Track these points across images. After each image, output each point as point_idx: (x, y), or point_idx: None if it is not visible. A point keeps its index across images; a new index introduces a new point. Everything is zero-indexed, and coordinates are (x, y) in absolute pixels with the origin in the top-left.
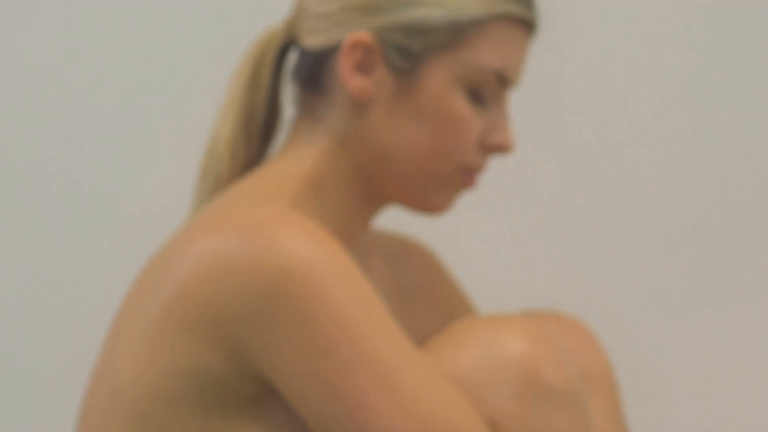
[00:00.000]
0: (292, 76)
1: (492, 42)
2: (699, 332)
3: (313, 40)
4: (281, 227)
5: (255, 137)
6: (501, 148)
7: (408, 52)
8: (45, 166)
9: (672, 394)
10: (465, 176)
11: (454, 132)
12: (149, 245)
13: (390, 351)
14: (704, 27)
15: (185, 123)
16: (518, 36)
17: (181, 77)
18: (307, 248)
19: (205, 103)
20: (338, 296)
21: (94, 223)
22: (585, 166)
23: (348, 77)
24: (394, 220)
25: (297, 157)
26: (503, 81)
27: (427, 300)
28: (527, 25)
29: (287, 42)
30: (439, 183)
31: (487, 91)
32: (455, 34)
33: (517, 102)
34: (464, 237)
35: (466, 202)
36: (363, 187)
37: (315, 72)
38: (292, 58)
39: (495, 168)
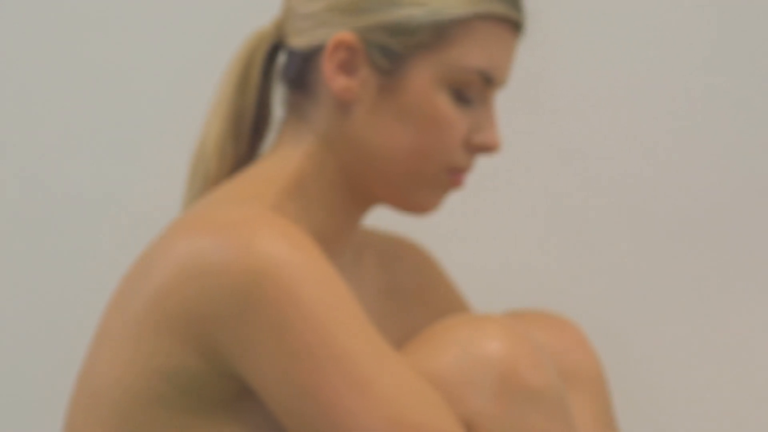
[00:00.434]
0: (281, 77)
1: (476, 41)
2: (692, 332)
3: (299, 40)
4: (257, 229)
5: (244, 138)
6: (487, 148)
7: (391, 52)
8: (41, 167)
9: (663, 394)
10: (451, 176)
11: (438, 132)
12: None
13: (362, 352)
14: (699, 25)
15: (182, 124)
16: (504, 35)
17: (179, 78)
18: (282, 250)
19: (202, 104)
20: (311, 297)
21: (90, 225)
22: (577, 164)
23: (332, 77)
24: (390, 220)
25: (283, 157)
26: (489, 81)
27: (420, 300)
28: (513, 25)
29: (276, 43)
30: (424, 183)
31: (473, 90)
32: (438, 34)
33: (508, 101)
34: (457, 237)
35: (461, 201)
36: (349, 187)
37: (302, 72)
38: (283, 58)
39: (494, 168)
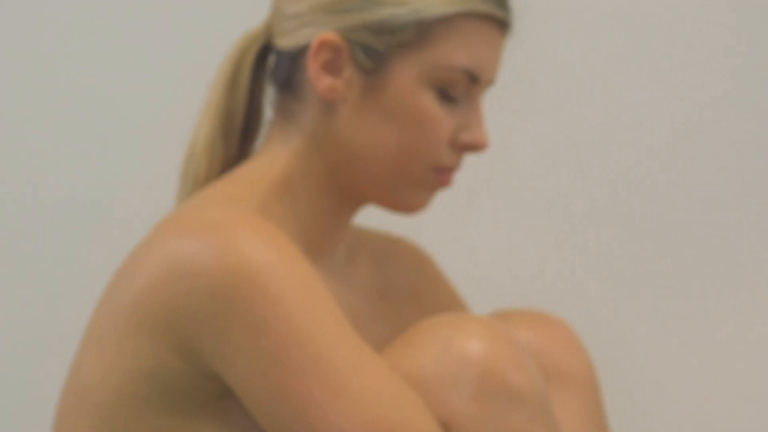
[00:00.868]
0: (270, 78)
1: (459, 40)
2: (689, 332)
3: (285, 41)
4: (236, 230)
5: (234, 139)
6: (474, 147)
7: (374, 52)
8: (32, 172)
9: (656, 394)
10: (438, 175)
11: (423, 131)
12: None
13: (338, 353)
14: (690, 23)
15: (176, 127)
16: (489, 34)
17: (172, 81)
18: (259, 251)
19: (196, 107)
20: (287, 299)
21: (82, 229)
22: (572, 164)
23: (316, 77)
24: (387, 220)
25: (271, 157)
26: (474, 79)
27: (416, 300)
28: (499, 23)
29: (267, 43)
30: (411, 182)
31: (458, 89)
32: (421, 33)
33: (502, 100)
34: (451, 237)
35: (458, 202)
36: (337, 187)
37: (289, 73)
38: (273, 59)
39: (491, 168)
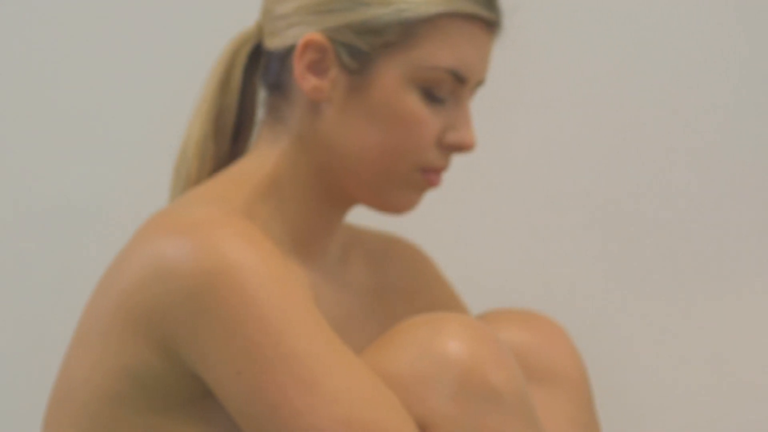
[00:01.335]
0: (260, 78)
1: (444, 40)
2: (685, 332)
3: (274, 41)
4: (215, 230)
5: (225, 139)
6: (461, 147)
7: (359, 52)
8: (28, 175)
9: (654, 394)
10: (426, 175)
11: (408, 131)
12: None
13: (312, 352)
14: (682, 20)
15: (171, 129)
16: (475, 34)
17: (168, 84)
18: (236, 251)
19: (190, 109)
20: (262, 299)
21: (78, 233)
22: (568, 162)
23: (302, 77)
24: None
25: (260, 157)
26: (460, 80)
27: (412, 300)
28: (486, 23)
29: (258, 44)
30: (397, 183)
31: (444, 90)
32: (405, 33)
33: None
34: (447, 237)
35: (454, 202)
36: (324, 187)
37: (278, 74)
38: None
39: (487, 168)
